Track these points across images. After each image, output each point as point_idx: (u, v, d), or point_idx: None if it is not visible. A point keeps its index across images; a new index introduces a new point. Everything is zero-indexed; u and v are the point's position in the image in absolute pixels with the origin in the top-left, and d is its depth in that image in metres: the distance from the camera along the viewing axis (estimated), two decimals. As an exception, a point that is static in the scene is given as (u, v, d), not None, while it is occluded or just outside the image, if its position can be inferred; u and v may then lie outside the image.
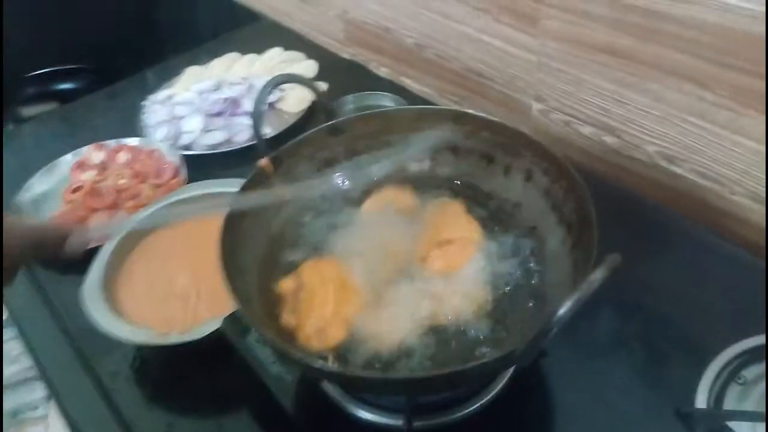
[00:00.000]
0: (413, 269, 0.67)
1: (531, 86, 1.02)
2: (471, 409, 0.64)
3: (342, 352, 0.61)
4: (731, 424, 0.58)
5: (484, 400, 0.64)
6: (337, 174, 0.75)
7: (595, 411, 0.65)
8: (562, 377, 0.68)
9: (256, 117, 0.67)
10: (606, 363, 0.70)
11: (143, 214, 0.93)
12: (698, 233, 0.86)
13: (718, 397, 0.62)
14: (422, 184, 0.75)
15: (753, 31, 0.71)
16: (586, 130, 0.99)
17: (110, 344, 0.77)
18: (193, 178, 1.04)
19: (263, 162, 0.68)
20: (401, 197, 0.74)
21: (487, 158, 0.72)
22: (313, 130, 0.71)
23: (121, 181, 1.07)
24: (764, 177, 0.79)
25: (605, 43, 0.87)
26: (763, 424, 0.58)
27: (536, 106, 1.04)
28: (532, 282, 0.64)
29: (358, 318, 0.63)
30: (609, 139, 0.96)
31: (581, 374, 0.69)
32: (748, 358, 0.65)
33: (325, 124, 0.72)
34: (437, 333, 0.61)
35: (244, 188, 0.65)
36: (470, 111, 0.71)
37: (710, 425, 0.59)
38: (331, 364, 0.57)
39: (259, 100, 0.66)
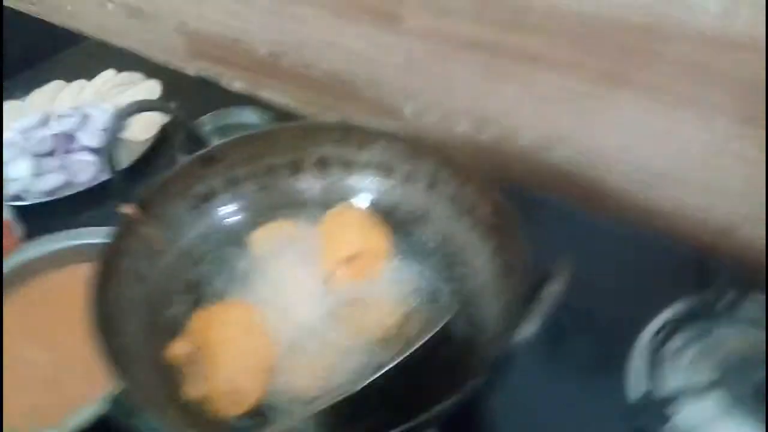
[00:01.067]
0: (321, 296, 0.61)
1: (400, 88, 0.99)
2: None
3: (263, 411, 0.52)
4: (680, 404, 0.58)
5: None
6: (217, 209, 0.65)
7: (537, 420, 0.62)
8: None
9: (109, 153, 0.55)
10: (529, 369, 0.67)
11: (-26, 287, 0.76)
12: (583, 217, 0.87)
13: (653, 374, 0.62)
14: (316, 206, 0.68)
15: (611, 16, 0.72)
16: (462, 127, 0.97)
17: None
18: (32, 233, 0.87)
19: (129, 210, 0.56)
20: (288, 228, 0.67)
21: (385, 169, 0.67)
22: (182, 162, 0.61)
23: (-66, 252, 0.87)
24: (642, 153, 0.82)
25: (470, 37, 0.85)
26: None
27: (408, 108, 1.00)
28: (456, 291, 0.60)
29: (274, 366, 0.55)
30: (485, 134, 0.95)
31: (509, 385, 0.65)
32: (668, 330, 0.66)
33: (195, 154, 0.62)
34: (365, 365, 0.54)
35: (114, 243, 0.53)
36: (360, 123, 0.65)
37: (655, 411, 0.58)
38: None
39: (111, 134, 0.55)
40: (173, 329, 0.58)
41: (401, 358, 0.45)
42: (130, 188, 0.95)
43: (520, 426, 0.62)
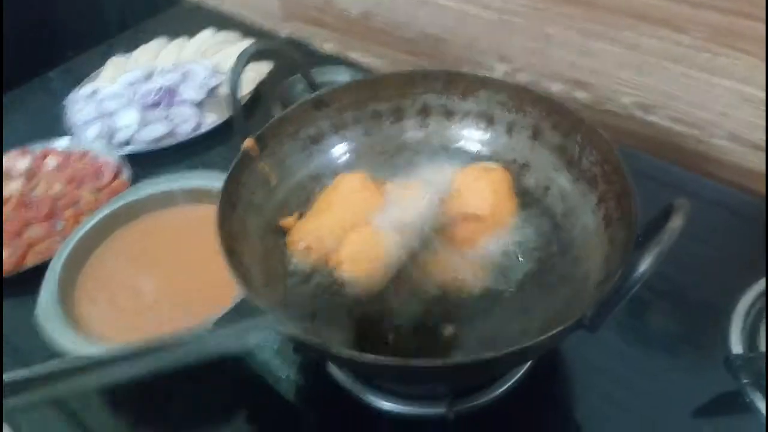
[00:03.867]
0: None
1: (493, 47, 0.98)
2: (505, 387, 0.59)
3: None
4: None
5: (514, 379, 0.60)
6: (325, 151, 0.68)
7: (633, 379, 0.62)
8: (589, 345, 0.64)
9: (233, 95, 0.58)
10: (628, 331, 0.66)
11: (92, 221, 0.82)
12: (683, 179, 0.85)
13: (751, 340, 0.60)
14: (417, 153, 0.69)
15: (730, -33, 0.70)
16: (556, 87, 0.96)
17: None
18: (137, 177, 0.93)
19: (248, 143, 0.60)
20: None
21: (487, 119, 0.68)
22: (296, 104, 0.64)
23: (55, 189, 0.94)
24: (744, 118, 0.79)
25: (571, -8, 0.84)
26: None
27: (500, 67, 1.00)
28: (554, 243, 0.60)
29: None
30: (580, 95, 0.94)
31: (604, 349, 0.65)
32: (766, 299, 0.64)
33: (307, 98, 0.65)
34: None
35: (235, 172, 0.57)
36: (465, 70, 0.66)
37: (755, 368, 0.57)
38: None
39: (234, 77, 0.58)
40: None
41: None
42: (230, 139, 1.02)
43: (620, 373, 0.63)
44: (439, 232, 0.59)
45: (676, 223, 0.40)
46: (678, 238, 0.40)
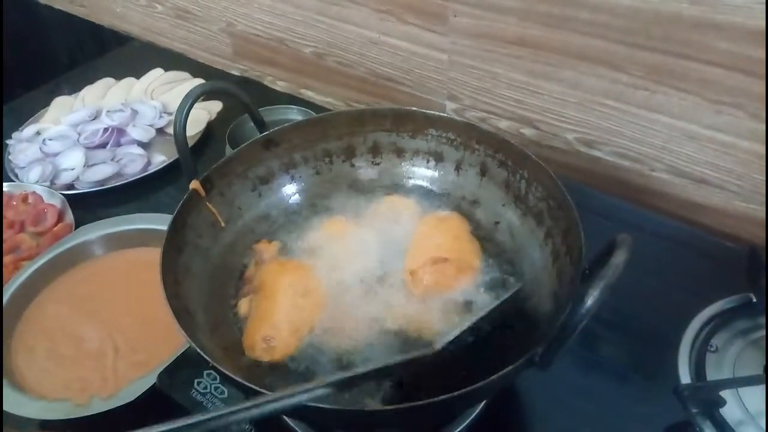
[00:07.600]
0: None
1: (443, 85, 1.00)
2: (461, 428, 0.58)
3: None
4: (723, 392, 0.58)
5: (470, 419, 0.59)
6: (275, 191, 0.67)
7: (588, 410, 0.62)
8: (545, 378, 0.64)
9: (180, 136, 0.57)
10: (582, 363, 0.67)
11: (33, 266, 0.79)
12: (628, 212, 0.87)
13: (698, 369, 0.62)
14: (369, 190, 0.69)
15: (662, 9, 0.73)
16: (504, 124, 0.98)
17: (11, 426, 0.64)
18: (82, 220, 0.90)
19: (194, 185, 0.58)
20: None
21: (436, 156, 0.68)
22: (245, 144, 0.63)
23: (-7, 234, 0.91)
24: (684, 152, 0.83)
25: (517, 35, 0.87)
26: (747, 389, 0.59)
27: (450, 105, 1.02)
28: (503, 278, 0.61)
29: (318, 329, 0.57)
30: (527, 131, 0.96)
31: (557, 381, 0.64)
32: (713, 326, 0.66)
33: (256, 138, 0.64)
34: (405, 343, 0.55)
35: (181, 215, 0.55)
36: (414, 108, 0.67)
37: (703, 397, 0.58)
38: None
39: (182, 113, 0.57)
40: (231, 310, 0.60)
41: (470, 322, 0.45)
42: (179, 179, 1.00)
43: (575, 405, 0.63)
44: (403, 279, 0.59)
45: (619, 257, 0.40)
46: (624, 272, 0.41)
